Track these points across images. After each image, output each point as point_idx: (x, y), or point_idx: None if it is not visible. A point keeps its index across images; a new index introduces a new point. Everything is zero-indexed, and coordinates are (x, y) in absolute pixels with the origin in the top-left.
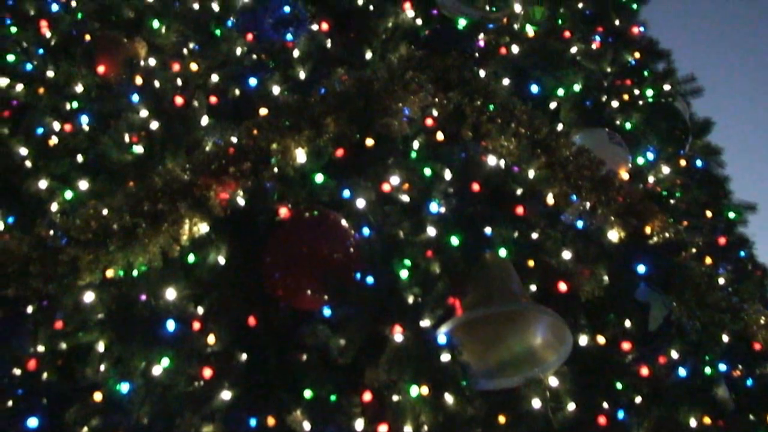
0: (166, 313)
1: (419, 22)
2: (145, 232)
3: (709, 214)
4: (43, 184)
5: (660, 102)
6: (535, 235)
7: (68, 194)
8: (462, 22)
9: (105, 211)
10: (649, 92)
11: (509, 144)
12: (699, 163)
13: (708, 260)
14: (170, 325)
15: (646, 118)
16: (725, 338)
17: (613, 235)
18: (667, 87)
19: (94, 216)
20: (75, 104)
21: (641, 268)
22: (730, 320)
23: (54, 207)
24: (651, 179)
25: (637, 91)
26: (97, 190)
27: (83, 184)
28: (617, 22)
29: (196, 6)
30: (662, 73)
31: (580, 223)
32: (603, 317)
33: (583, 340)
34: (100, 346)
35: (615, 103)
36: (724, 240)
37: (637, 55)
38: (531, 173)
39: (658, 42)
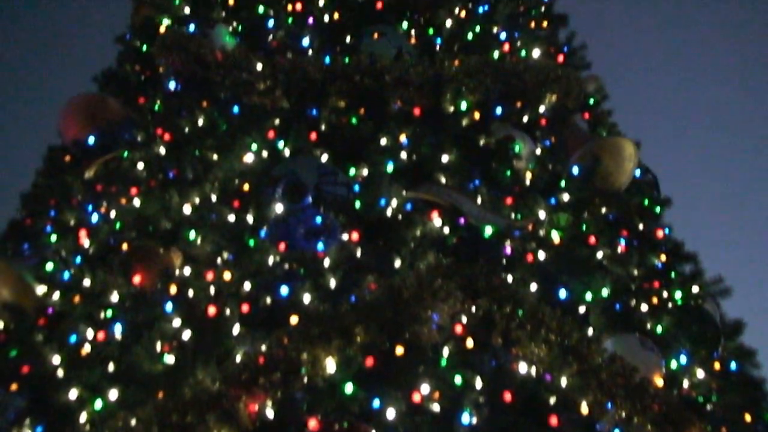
0: None
1: (447, 230)
2: None
3: (748, 418)
4: (73, 393)
5: (689, 304)
6: None
7: (98, 404)
8: (488, 230)
9: (133, 422)
10: (678, 294)
11: (540, 351)
12: (734, 365)
13: None
14: None
15: (677, 321)
16: None
17: None
18: (695, 289)
19: (122, 428)
20: (109, 313)
21: None
22: None
23: (83, 417)
24: (686, 384)
25: (665, 294)
26: (126, 400)
27: (113, 394)
28: (641, 226)
29: (231, 217)
30: (690, 276)
31: None
32: None
33: None
34: None
35: (644, 307)
36: None
37: (663, 257)
38: (563, 381)
39: (683, 244)
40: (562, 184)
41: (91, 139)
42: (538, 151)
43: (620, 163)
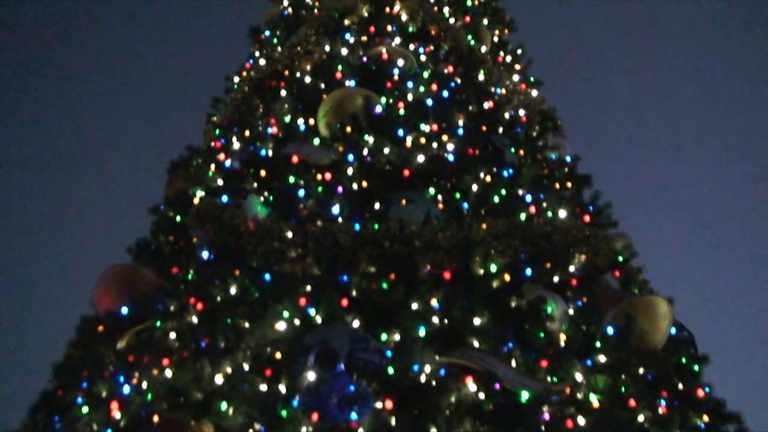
0: None
1: (482, 396)
2: None
3: None
4: None
5: None
6: None
7: None
8: (525, 395)
9: None
10: None
11: None
12: None
13: None
14: None
15: None
16: None
17: None
18: None
19: None
20: None
21: None
22: None
23: None
24: None
25: None
26: None
27: None
28: (681, 386)
29: (263, 387)
30: None
31: None
32: None
33: None
34: None
35: None
36: None
37: (705, 418)
38: None
39: (725, 403)
40: (598, 344)
41: (124, 310)
42: (571, 312)
43: (655, 322)
